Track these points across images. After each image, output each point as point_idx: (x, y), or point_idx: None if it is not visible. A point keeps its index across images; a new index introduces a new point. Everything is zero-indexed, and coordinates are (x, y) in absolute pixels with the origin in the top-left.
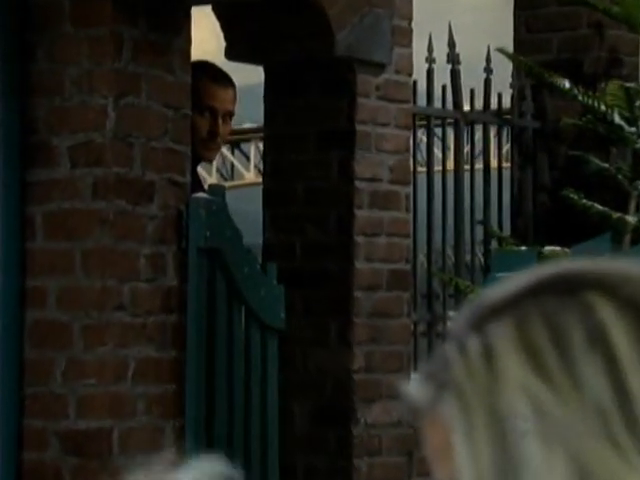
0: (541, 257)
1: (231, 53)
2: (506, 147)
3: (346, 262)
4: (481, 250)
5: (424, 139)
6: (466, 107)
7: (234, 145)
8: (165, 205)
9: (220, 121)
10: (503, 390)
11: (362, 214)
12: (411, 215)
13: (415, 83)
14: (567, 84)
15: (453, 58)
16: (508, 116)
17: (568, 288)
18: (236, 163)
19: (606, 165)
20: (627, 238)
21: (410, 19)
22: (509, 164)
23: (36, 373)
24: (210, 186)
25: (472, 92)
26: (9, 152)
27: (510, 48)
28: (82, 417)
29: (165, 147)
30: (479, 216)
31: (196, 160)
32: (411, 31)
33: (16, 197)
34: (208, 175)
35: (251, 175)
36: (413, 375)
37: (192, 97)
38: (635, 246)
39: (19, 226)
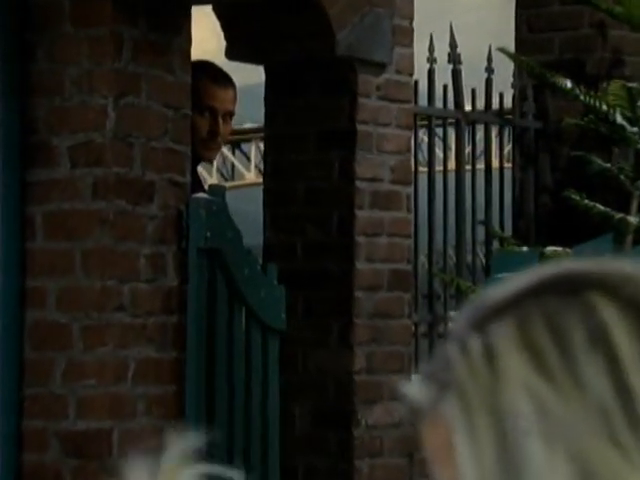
0: (543, 257)
1: (231, 53)
2: (508, 147)
3: (347, 262)
4: (482, 250)
5: (425, 139)
6: (467, 107)
7: (235, 145)
8: (165, 205)
9: (220, 121)
10: (505, 389)
11: (363, 214)
12: (412, 215)
13: (416, 83)
14: (569, 84)
15: (454, 58)
16: (510, 116)
17: (570, 288)
18: (237, 163)
19: (608, 165)
20: (629, 239)
21: (411, 19)
22: (510, 164)
23: (36, 374)
24: (210, 186)
25: (473, 92)
26: (9, 152)
27: (512, 48)
28: (82, 418)
29: (165, 147)
30: (480, 216)
31: (196, 160)
32: (412, 31)
33: (16, 197)
34: (209, 175)
35: (252, 175)
36: (414, 376)
37: (192, 97)
38: (637, 246)
39: (19, 226)
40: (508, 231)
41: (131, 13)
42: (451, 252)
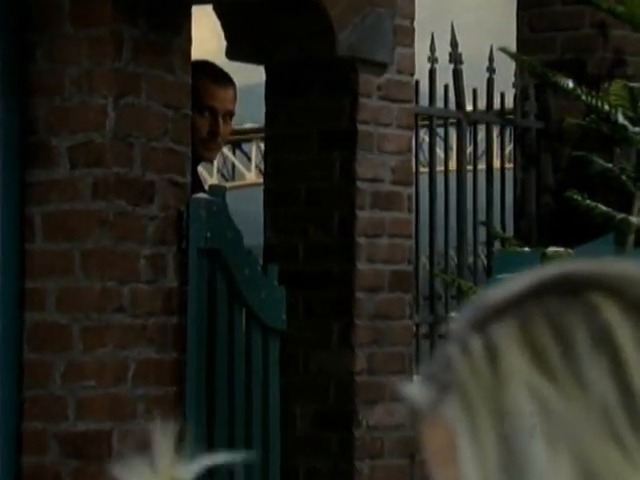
0: (544, 258)
1: (232, 53)
2: (509, 147)
3: (348, 263)
4: (484, 251)
5: (426, 139)
6: (469, 107)
7: (235, 145)
8: (165, 206)
9: (220, 121)
10: (507, 390)
11: (364, 215)
12: (413, 216)
13: (417, 83)
14: (571, 84)
15: (456, 58)
16: (511, 116)
17: (572, 289)
18: (237, 163)
19: (610, 166)
20: (631, 239)
21: (412, 19)
22: (512, 164)
23: (35, 375)
24: (211, 186)
25: (475, 92)
26: (9, 152)
27: (513, 48)
28: (82, 419)
29: (165, 147)
30: (482, 217)
31: (196, 160)
32: (413, 31)
33: (15, 197)
34: (209, 175)
35: (252, 175)
36: (415, 377)
37: (192, 97)
38: (639, 247)
39: (18, 227)
40: (509, 232)
41: (131, 13)
42: (452, 253)
